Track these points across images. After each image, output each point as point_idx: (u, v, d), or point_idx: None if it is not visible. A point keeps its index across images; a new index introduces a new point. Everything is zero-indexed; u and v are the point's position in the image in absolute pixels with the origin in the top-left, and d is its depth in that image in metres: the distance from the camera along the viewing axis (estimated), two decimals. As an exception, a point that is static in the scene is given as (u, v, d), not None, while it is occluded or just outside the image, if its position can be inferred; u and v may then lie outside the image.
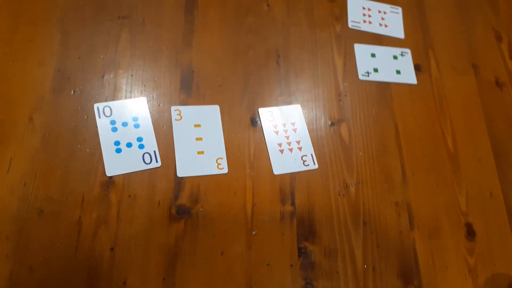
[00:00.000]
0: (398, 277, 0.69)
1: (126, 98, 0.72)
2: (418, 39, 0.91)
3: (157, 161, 0.69)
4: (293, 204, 0.71)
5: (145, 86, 0.74)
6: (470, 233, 0.75)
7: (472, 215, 0.76)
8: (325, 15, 0.88)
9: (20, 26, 0.74)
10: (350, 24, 0.88)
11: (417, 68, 0.87)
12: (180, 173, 0.69)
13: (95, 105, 0.70)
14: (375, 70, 0.85)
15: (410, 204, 0.75)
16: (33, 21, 0.75)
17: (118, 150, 0.68)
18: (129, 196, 0.66)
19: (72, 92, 0.71)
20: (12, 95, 0.69)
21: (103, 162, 0.67)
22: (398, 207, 0.74)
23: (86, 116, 0.69)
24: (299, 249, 0.68)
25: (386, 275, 0.69)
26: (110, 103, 0.71)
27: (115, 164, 0.67)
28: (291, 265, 0.67)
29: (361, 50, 0.86)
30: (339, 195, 0.73)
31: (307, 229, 0.70)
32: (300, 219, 0.70)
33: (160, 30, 0.79)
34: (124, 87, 0.73)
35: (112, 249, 0.63)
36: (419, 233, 0.73)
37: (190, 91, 0.75)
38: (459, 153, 0.81)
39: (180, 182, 0.69)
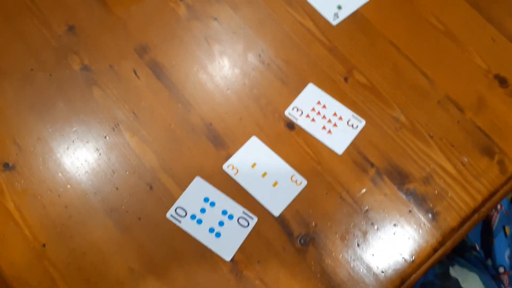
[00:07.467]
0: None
1: (182, 190, 0.72)
2: None
3: (252, 218, 0.70)
4: (373, 165, 0.75)
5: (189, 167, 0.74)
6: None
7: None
8: None
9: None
10: None
11: None
12: (276, 213, 0.71)
13: (167, 215, 0.70)
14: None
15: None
16: None
17: (218, 235, 0.69)
18: (258, 261, 0.68)
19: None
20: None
21: (216, 253, 0.68)
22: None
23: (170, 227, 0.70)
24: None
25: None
26: (176, 204, 0.71)
27: (225, 247, 0.69)
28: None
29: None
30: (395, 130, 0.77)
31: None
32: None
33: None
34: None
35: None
36: None
37: (223, 142, 0.76)
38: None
39: (282, 219, 0.71)
